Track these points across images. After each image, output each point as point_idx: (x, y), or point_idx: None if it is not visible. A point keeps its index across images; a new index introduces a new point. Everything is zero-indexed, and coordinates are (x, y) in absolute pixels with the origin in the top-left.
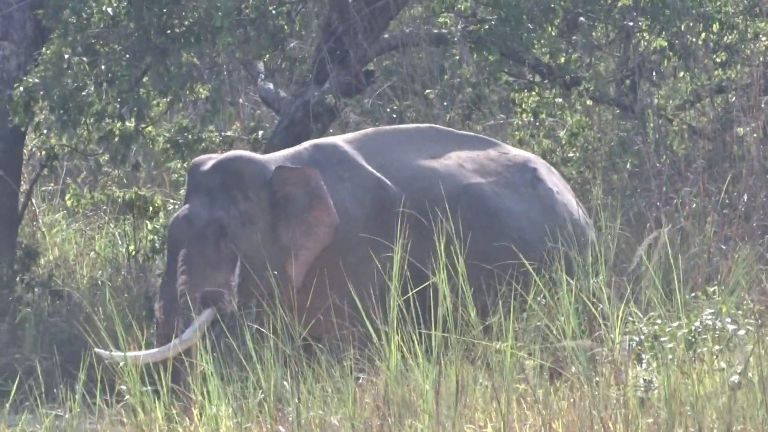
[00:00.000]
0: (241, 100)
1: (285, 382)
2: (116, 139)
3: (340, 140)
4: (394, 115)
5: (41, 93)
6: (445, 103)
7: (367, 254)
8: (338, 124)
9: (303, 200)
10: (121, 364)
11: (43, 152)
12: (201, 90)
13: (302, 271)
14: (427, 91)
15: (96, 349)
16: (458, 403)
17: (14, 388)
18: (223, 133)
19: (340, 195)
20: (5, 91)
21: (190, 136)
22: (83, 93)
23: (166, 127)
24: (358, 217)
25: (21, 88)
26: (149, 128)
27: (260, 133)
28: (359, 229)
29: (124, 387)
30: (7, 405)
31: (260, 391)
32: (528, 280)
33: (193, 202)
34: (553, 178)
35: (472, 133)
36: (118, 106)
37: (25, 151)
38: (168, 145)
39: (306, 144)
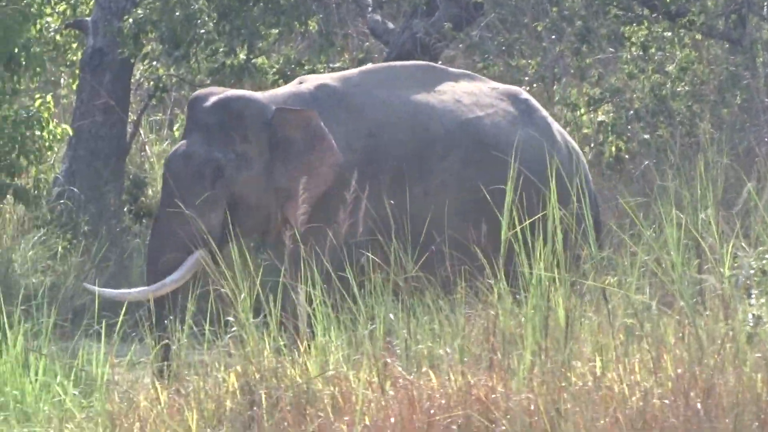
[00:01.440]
0: (350, 32)
1: (392, 315)
2: (227, 70)
3: (340, 79)
4: (503, 48)
5: (150, 24)
6: (554, 37)
7: (355, 201)
8: (445, 56)
9: (303, 142)
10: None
11: (151, 82)
12: (310, 22)
13: (303, 212)
14: (536, 23)
15: (84, 284)
16: (566, 338)
17: (122, 318)
18: (331, 65)
19: (335, 138)
20: (114, 22)
21: (298, 69)
22: (197, 26)
23: (274, 58)
24: (349, 163)
25: (130, 20)
26: (259, 60)
27: (368, 65)
28: (348, 176)
29: (232, 318)
30: (116, 336)
31: (369, 322)
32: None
33: (191, 138)
34: (541, 108)
35: (463, 71)
36: (229, 38)
37: (132, 80)
38: (278, 77)
39: (309, 83)
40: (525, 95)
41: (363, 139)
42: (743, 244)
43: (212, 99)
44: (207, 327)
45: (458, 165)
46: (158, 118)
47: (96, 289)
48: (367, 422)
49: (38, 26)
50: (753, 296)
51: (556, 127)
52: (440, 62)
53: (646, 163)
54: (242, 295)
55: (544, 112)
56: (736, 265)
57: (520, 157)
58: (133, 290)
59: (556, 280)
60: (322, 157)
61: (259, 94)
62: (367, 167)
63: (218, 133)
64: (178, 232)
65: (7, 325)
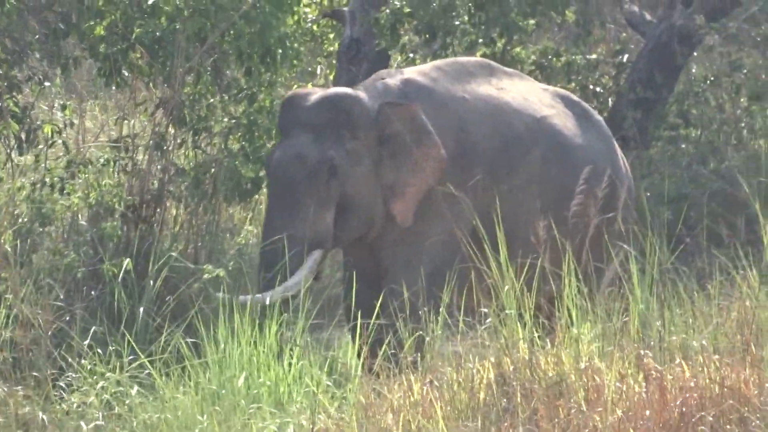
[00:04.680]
0: (607, 22)
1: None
2: None
3: (420, 74)
4: (759, 38)
5: (407, 16)
6: None
7: (450, 197)
8: (702, 48)
9: (409, 136)
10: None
11: None
12: (568, 12)
13: (411, 208)
14: None
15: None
16: None
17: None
18: (587, 56)
19: None
20: (371, 13)
21: (554, 60)
22: (453, 17)
23: (531, 49)
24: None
25: (387, 11)
26: (517, 50)
27: (625, 56)
28: (446, 171)
29: (485, 310)
30: (368, 328)
31: (623, 314)
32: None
33: (298, 138)
34: (594, 112)
35: (512, 69)
36: (486, 29)
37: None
38: (534, 67)
39: (392, 78)
40: (576, 98)
41: (454, 133)
42: None
43: (315, 98)
44: (461, 318)
45: (539, 163)
46: None
47: (228, 296)
48: (620, 414)
49: (295, 17)
50: None
51: (607, 129)
52: (695, 54)
53: None
54: (506, 288)
55: (598, 116)
56: None
57: (587, 159)
58: (258, 295)
59: None
60: (428, 153)
61: (355, 91)
62: (461, 160)
63: (328, 131)
64: (294, 234)
65: (265, 315)
